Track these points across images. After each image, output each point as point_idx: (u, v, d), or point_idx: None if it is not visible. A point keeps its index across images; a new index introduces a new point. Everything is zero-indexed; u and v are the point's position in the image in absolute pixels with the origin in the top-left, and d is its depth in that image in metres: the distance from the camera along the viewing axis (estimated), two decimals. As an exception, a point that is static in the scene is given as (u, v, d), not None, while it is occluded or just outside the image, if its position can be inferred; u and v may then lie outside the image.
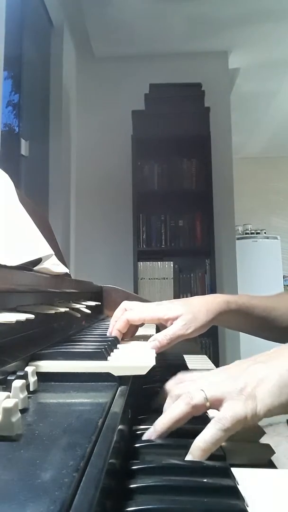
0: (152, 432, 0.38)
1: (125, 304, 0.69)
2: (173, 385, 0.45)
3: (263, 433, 0.40)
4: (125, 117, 2.75)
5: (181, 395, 0.40)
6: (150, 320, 0.65)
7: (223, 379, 0.40)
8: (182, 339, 0.63)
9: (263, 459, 0.39)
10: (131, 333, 0.69)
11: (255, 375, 0.39)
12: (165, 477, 0.31)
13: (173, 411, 0.38)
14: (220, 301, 0.67)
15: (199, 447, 0.35)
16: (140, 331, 0.71)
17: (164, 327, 0.65)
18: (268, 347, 0.48)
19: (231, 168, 2.95)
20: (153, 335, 0.63)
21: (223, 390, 0.39)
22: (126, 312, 0.66)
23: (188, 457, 0.35)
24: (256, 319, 0.70)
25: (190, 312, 0.64)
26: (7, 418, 0.27)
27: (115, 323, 0.66)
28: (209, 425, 0.36)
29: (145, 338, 0.67)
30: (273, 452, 0.39)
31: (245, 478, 0.32)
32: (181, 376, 0.46)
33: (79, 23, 2.73)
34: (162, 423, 0.38)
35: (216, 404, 0.39)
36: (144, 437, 0.38)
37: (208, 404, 0.39)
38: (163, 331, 0.63)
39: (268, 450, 0.39)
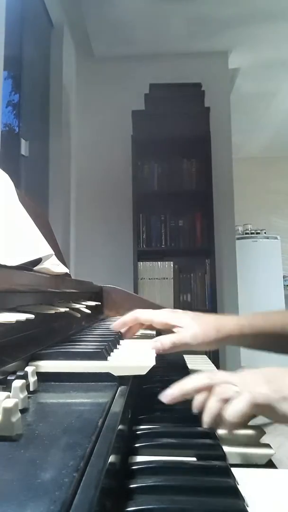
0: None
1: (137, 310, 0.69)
2: None
3: (263, 432, 0.40)
4: (125, 117, 2.75)
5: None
6: (157, 322, 0.65)
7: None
8: (185, 349, 0.62)
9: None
10: (133, 331, 0.69)
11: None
12: (165, 477, 0.31)
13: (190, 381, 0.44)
14: (232, 324, 0.65)
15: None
16: (140, 332, 0.71)
17: (167, 333, 0.64)
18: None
19: (231, 168, 2.95)
20: (153, 335, 0.63)
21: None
22: (137, 310, 0.67)
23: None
24: (274, 337, 0.68)
25: (198, 326, 0.63)
26: (7, 418, 0.27)
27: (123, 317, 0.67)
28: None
29: (145, 338, 0.66)
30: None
31: (245, 478, 0.32)
32: None
33: (79, 23, 2.73)
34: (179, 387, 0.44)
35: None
36: (161, 397, 0.43)
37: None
38: (168, 335, 0.62)
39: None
